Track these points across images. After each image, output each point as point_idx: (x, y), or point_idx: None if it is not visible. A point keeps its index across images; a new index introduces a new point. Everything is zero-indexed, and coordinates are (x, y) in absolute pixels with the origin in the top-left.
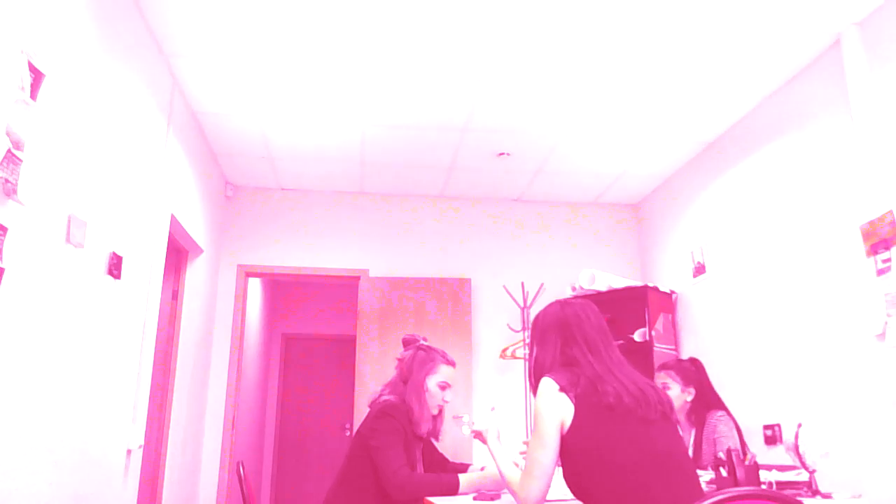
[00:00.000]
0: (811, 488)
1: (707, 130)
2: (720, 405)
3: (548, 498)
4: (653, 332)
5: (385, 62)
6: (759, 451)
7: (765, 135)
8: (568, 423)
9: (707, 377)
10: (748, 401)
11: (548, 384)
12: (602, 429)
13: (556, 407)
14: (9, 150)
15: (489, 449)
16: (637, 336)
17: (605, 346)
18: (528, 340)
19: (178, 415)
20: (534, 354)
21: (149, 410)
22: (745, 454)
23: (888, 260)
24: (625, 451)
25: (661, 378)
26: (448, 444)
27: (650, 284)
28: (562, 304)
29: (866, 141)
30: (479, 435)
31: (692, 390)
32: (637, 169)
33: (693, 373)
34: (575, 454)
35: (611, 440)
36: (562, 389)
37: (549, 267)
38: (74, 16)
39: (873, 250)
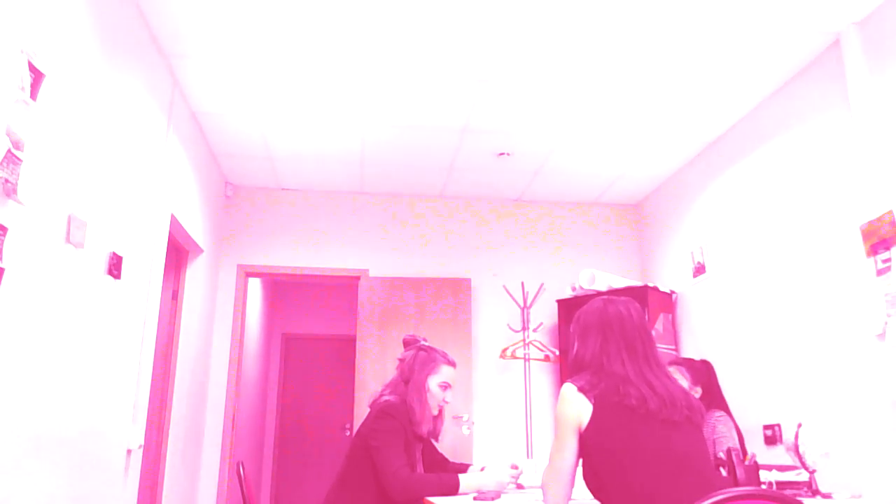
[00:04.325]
0: (811, 488)
1: (707, 130)
2: (723, 407)
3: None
4: (653, 332)
5: (385, 62)
6: (759, 451)
7: (765, 135)
8: (586, 422)
9: (716, 380)
10: (748, 401)
11: (567, 388)
12: (620, 429)
13: (573, 409)
14: (9, 150)
15: None
16: None
17: (642, 346)
18: (528, 340)
19: (178, 415)
20: (574, 350)
21: (149, 410)
22: (744, 455)
23: (888, 260)
24: (639, 452)
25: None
26: (448, 445)
27: (650, 284)
28: (605, 302)
29: (866, 141)
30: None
31: (699, 389)
32: (637, 169)
33: (703, 373)
34: (591, 453)
35: (627, 440)
36: (580, 390)
37: (549, 267)
38: (74, 16)
39: (873, 250)
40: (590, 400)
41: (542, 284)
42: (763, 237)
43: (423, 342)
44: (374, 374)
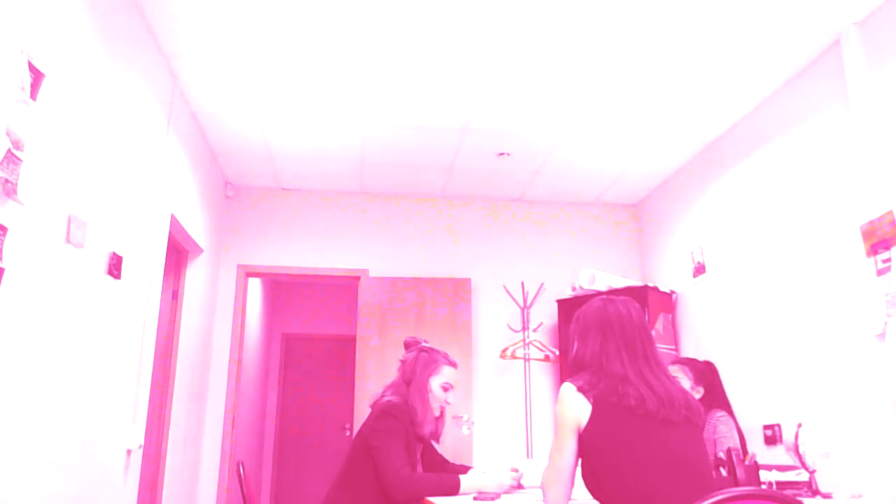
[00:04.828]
0: (811, 488)
1: (707, 130)
2: (726, 408)
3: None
4: (653, 332)
5: (386, 62)
6: (759, 451)
7: (765, 135)
8: (584, 422)
9: (720, 382)
10: (748, 401)
11: (566, 388)
12: (618, 429)
13: (572, 408)
14: (9, 150)
15: None
16: None
17: (642, 346)
18: (528, 340)
19: (178, 415)
20: (574, 350)
21: (149, 410)
22: (745, 454)
23: (888, 260)
24: (638, 453)
25: (673, 371)
26: (448, 445)
27: (650, 284)
28: (605, 301)
29: (866, 141)
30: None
31: (701, 389)
32: (637, 169)
33: (706, 374)
34: (590, 453)
35: (625, 441)
36: (580, 390)
37: (549, 267)
38: (74, 16)
39: (873, 250)
40: (589, 400)
41: (542, 284)
42: (763, 237)
43: (424, 343)
44: (374, 375)
